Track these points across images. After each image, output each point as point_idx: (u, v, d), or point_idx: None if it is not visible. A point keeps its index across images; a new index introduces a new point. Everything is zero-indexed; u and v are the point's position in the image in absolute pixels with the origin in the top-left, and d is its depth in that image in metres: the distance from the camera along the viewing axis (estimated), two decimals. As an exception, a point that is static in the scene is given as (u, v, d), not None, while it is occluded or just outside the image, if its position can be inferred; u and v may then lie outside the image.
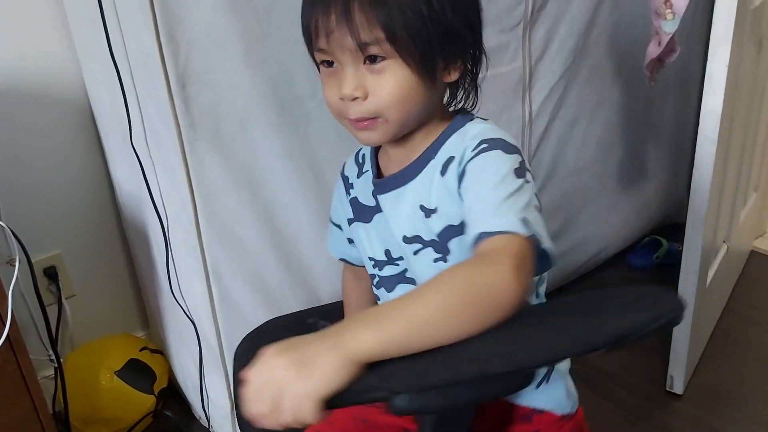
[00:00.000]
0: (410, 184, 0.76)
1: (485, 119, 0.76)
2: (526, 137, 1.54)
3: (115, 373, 1.44)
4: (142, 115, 1.14)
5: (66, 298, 1.48)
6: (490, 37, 1.36)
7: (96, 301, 1.56)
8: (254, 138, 1.14)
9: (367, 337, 0.55)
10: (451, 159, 0.71)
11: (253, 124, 1.13)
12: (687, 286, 1.41)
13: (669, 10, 1.32)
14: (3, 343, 1.04)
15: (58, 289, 1.46)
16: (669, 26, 1.34)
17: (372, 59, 0.67)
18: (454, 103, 0.77)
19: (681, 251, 1.90)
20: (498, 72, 1.42)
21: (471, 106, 0.78)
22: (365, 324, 0.56)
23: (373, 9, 0.64)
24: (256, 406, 0.54)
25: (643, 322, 0.55)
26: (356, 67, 0.67)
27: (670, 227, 2.10)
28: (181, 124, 1.06)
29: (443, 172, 0.72)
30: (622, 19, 1.61)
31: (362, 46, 0.65)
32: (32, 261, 1.18)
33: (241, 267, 1.21)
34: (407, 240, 0.76)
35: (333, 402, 0.53)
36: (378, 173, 0.81)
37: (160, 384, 1.50)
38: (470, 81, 0.76)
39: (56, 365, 1.30)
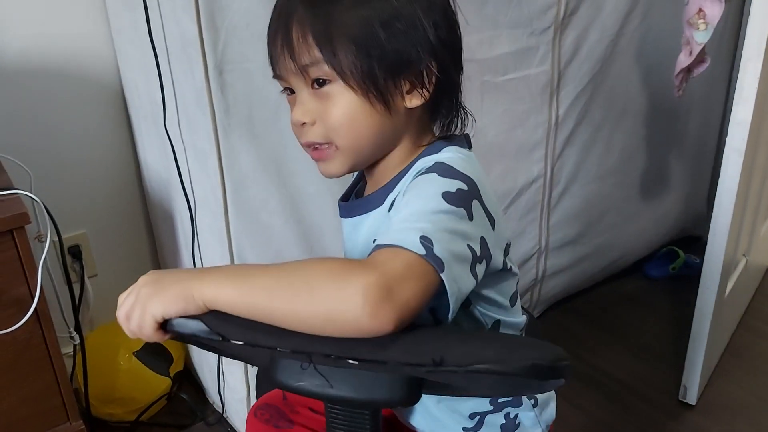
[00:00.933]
0: (370, 214, 0.73)
1: (464, 147, 0.72)
2: (551, 141, 1.55)
3: (133, 354, 1.46)
4: (176, 99, 1.16)
5: (88, 278, 1.50)
6: (520, 39, 1.39)
7: (118, 282, 1.55)
8: (285, 127, 1.13)
9: (218, 288, 0.58)
10: (399, 194, 0.69)
11: (285, 113, 1.12)
12: (706, 296, 1.41)
13: (702, 20, 1.33)
14: (30, 317, 1.06)
15: (82, 268, 1.48)
16: (701, 36, 1.35)
17: (319, 83, 0.67)
18: (438, 129, 0.75)
19: (698, 263, 1.92)
20: (526, 74, 1.43)
21: (459, 131, 0.75)
22: (227, 276, 0.59)
23: (311, 31, 0.65)
24: (119, 311, 0.61)
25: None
26: (307, 92, 0.68)
27: (686, 239, 2.10)
28: (216, 109, 1.07)
29: (390, 207, 0.70)
30: (651, 29, 1.62)
31: (303, 69, 0.66)
32: (62, 238, 1.20)
33: (264, 254, 1.22)
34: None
35: (168, 327, 0.60)
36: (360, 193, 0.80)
37: (177, 367, 1.52)
38: (447, 106, 0.73)
39: (75, 343, 1.32)
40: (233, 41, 1.04)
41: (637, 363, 1.66)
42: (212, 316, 0.59)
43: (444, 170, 0.65)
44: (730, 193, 1.30)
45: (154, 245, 1.60)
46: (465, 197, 0.63)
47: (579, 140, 1.61)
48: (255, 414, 0.90)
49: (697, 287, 1.42)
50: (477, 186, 0.64)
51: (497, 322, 0.73)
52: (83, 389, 1.37)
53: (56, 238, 1.23)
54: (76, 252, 1.48)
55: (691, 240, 2.11)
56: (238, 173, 1.14)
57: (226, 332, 0.58)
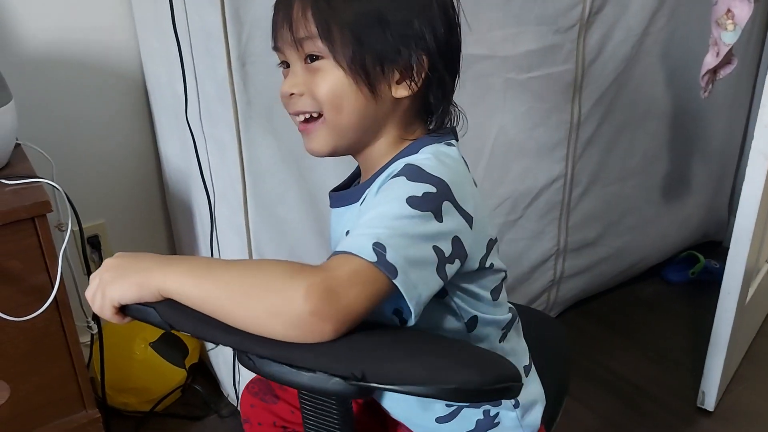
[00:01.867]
0: (349, 207, 0.75)
1: (449, 141, 0.72)
2: (572, 140, 1.53)
3: (149, 344, 1.47)
4: (198, 92, 1.16)
5: (106, 268, 1.51)
6: (544, 37, 1.37)
7: (135, 273, 1.58)
8: (306, 121, 1.15)
9: (177, 279, 0.61)
10: (371, 192, 0.71)
11: (306, 107, 1.13)
12: (727, 302, 1.39)
13: (730, 21, 1.31)
14: (49, 305, 1.07)
15: (100, 257, 1.49)
16: (729, 37, 1.33)
17: (312, 58, 0.69)
18: (431, 124, 0.74)
19: (718, 268, 1.90)
20: (550, 72, 1.42)
21: (448, 125, 0.75)
22: (187, 268, 0.62)
23: (311, 6, 0.67)
24: (87, 291, 0.66)
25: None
26: (300, 65, 0.70)
27: (706, 245, 2.07)
28: (238, 101, 1.07)
29: (362, 202, 0.72)
30: (677, 28, 1.59)
31: (299, 42, 0.68)
32: (83, 228, 1.20)
33: (281, 248, 1.22)
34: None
35: (127, 312, 0.64)
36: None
37: (192, 359, 1.52)
38: (436, 102, 0.72)
39: (93, 332, 1.33)
40: (257, 34, 1.04)
41: (654, 368, 1.64)
42: (166, 306, 0.62)
43: (412, 173, 0.65)
44: (754, 198, 1.28)
45: (172, 237, 1.60)
46: (432, 199, 0.63)
47: (601, 140, 1.59)
48: (248, 387, 0.94)
49: (717, 293, 1.40)
50: (448, 187, 0.65)
51: (474, 318, 0.73)
52: (99, 378, 1.38)
53: (77, 228, 1.24)
54: (95, 242, 1.49)
55: (711, 245, 2.08)
56: (258, 166, 1.14)
57: (176, 323, 0.62)
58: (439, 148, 0.71)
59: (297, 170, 1.18)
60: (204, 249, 1.34)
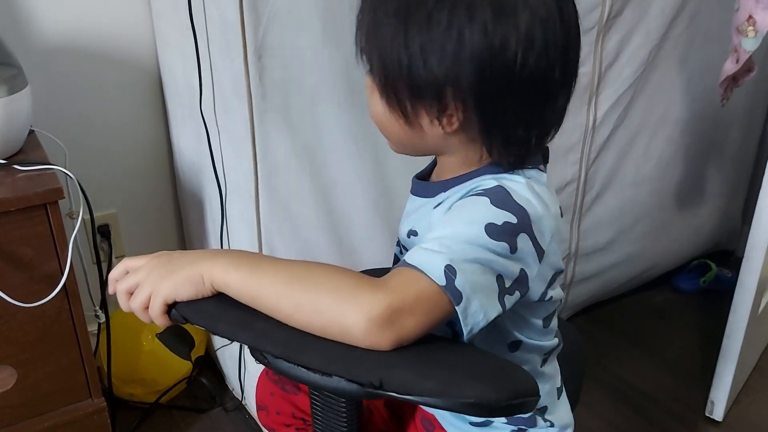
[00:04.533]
0: (423, 199, 0.74)
1: (519, 182, 0.66)
2: (587, 144, 1.52)
3: (156, 335, 1.47)
4: (213, 84, 1.16)
5: (116, 258, 1.51)
6: (562, 39, 1.36)
7: (144, 264, 1.58)
8: (321, 117, 1.14)
9: (231, 275, 0.60)
10: (448, 199, 0.69)
11: (321, 102, 1.13)
12: (739, 311, 1.38)
13: (751, 27, 1.29)
14: (58, 292, 1.07)
15: (110, 247, 1.49)
16: (750, 44, 1.31)
17: (368, 70, 0.68)
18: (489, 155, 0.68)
19: (730, 278, 1.88)
20: (566, 75, 1.40)
21: (513, 163, 0.68)
22: (240, 262, 0.61)
23: (365, 36, 0.65)
24: (122, 284, 0.64)
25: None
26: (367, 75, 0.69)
27: (718, 253, 2.06)
28: (253, 94, 1.07)
29: (437, 205, 0.71)
30: (697, 34, 1.57)
31: (361, 51, 0.66)
32: (94, 217, 1.20)
33: (293, 243, 1.22)
34: (405, 238, 0.76)
35: (176, 311, 0.62)
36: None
37: (198, 352, 1.52)
38: (503, 136, 0.65)
39: (101, 321, 1.33)
40: (274, 27, 1.04)
41: (663, 376, 1.62)
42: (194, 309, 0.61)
43: (498, 198, 0.62)
44: (771, 205, 1.27)
45: (182, 229, 1.60)
46: (511, 231, 0.61)
47: (616, 145, 1.58)
48: (267, 373, 0.92)
49: (728, 302, 1.39)
50: (529, 218, 0.62)
51: (517, 342, 0.71)
52: (106, 368, 1.38)
53: (88, 216, 1.24)
54: (105, 231, 1.49)
55: (723, 254, 2.07)
56: (272, 160, 1.13)
57: (192, 317, 0.61)
58: (526, 175, 0.67)
59: (311, 166, 1.17)
60: (214, 242, 1.34)
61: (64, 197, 1.03)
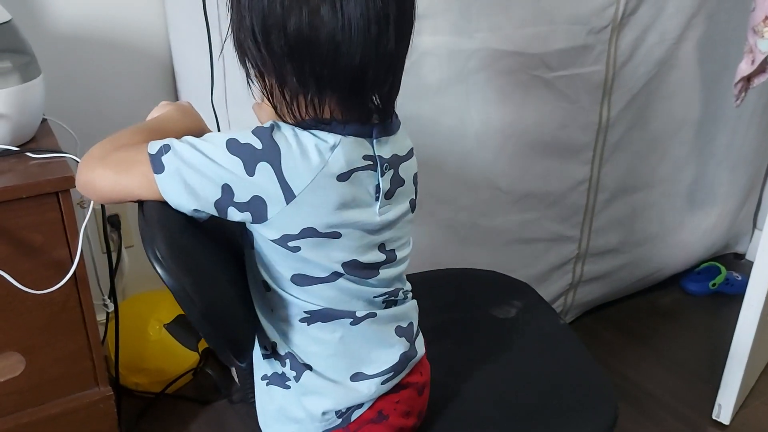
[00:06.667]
0: None
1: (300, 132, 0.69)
2: (599, 143, 1.51)
3: (164, 325, 1.47)
4: (225, 74, 1.15)
5: (125, 248, 1.52)
6: (576, 37, 1.35)
7: (153, 254, 1.58)
8: (332, 109, 1.14)
9: None
10: None
11: (333, 95, 1.12)
12: (748, 315, 1.37)
13: (767, 29, 1.28)
14: (68, 280, 1.07)
15: (119, 237, 1.49)
16: (765, 45, 1.30)
17: None
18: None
19: (739, 281, 1.87)
20: (579, 72, 1.39)
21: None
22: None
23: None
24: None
25: None
26: None
27: (728, 256, 2.04)
28: (264, 86, 1.06)
29: None
30: (716, 35, 1.56)
31: None
32: (105, 206, 1.21)
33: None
34: None
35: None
36: None
37: (205, 343, 1.52)
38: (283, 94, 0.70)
39: (109, 310, 1.34)
40: (287, 19, 1.03)
41: (670, 377, 1.61)
42: None
43: (259, 129, 0.68)
44: (785, 209, 1.26)
45: (192, 220, 1.60)
46: (251, 153, 0.66)
47: (629, 145, 1.56)
48: None
49: (737, 305, 1.37)
50: (279, 155, 0.66)
51: (268, 287, 0.76)
52: (113, 356, 1.38)
53: (98, 206, 1.25)
54: (115, 221, 1.49)
55: (732, 257, 2.05)
56: (282, 152, 1.13)
57: None
58: (316, 134, 0.69)
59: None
60: (223, 233, 1.34)
61: (75, 186, 1.03)
